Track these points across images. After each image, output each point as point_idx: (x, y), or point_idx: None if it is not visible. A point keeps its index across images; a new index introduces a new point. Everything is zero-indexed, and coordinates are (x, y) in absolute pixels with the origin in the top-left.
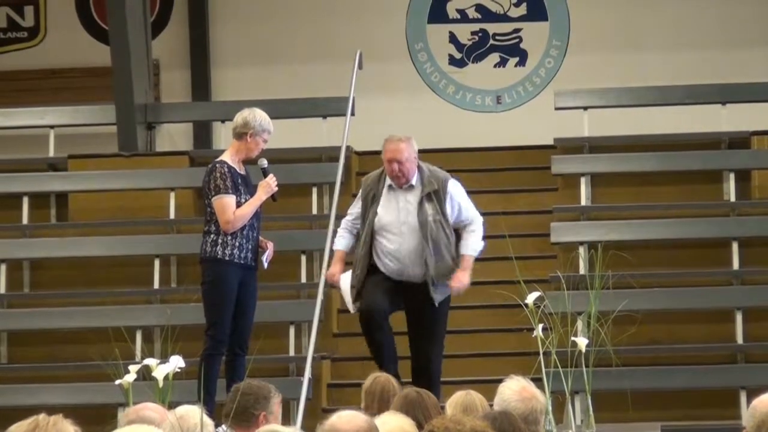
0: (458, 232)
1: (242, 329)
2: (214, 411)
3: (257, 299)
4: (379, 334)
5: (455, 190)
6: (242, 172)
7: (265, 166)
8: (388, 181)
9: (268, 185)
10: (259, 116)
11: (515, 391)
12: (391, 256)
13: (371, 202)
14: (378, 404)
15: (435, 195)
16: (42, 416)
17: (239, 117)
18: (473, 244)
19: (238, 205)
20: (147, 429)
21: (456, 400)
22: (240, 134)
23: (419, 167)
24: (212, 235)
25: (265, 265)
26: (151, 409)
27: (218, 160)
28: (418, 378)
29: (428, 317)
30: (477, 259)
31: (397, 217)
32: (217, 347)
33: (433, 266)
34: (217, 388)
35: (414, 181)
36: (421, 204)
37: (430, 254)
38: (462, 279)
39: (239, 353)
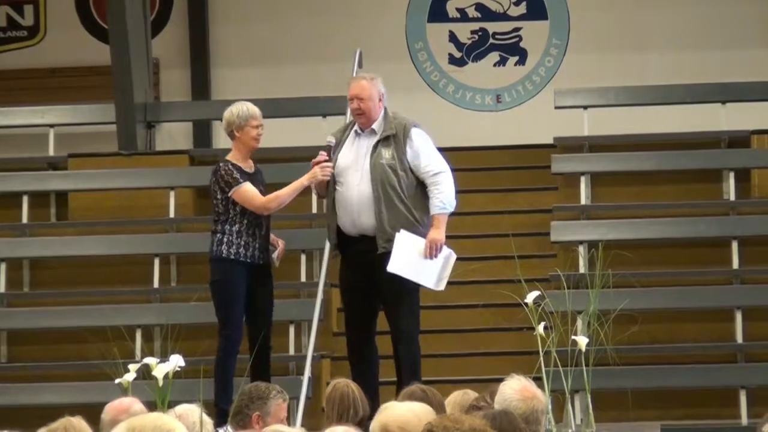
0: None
1: (257, 329)
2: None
3: (272, 297)
4: (360, 366)
5: (417, 136)
6: (250, 170)
7: (332, 144)
8: (356, 127)
9: (314, 174)
10: (236, 109)
11: (516, 390)
12: (343, 205)
13: (336, 149)
14: (338, 411)
15: (394, 139)
16: (74, 418)
17: (223, 122)
18: (439, 201)
19: None
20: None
21: (454, 399)
22: (230, 134)
23: (386, 113)
24: (218, 235)
25: (276, 263)
26: (133, 402)
27: (222, 160)
28: (397, 357)
29: (389, 278)
30: (477, 258)
31: (354, 161)
32: (231, 346)
33: (385, 213)
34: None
35: (376, 126)
36: (375, 147)
37: (380, 200)
38: (433, 236)
39: (261, 350)
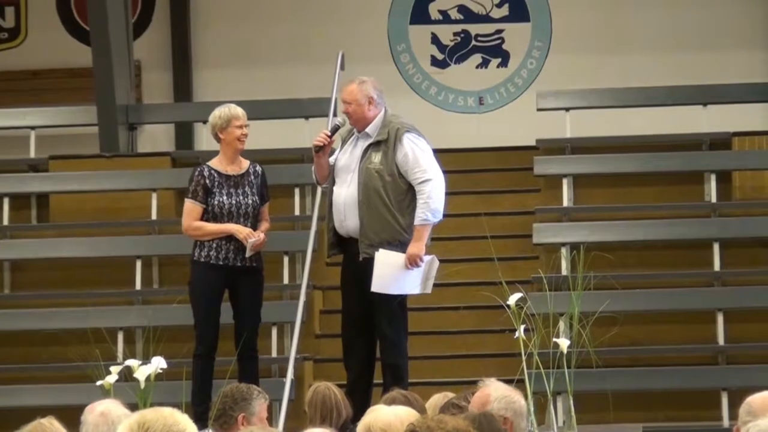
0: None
1: (239, 332)
2: (207, 411)
3: (258, 300)
4: (354, 364)
5: (409, 141)
6: (230, 172)
7: (338, 124)
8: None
9: (246, 235)
10: (218, 112)
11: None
12: (334, 205)
13: (342, 145)
14: (321, 414)
15: (385, 144)
16: (45, 419)
17: (208, 127)
18: (421, 212)
19: (214, 205)
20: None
21: (434, 402)
22: (216, 137)
23: (384, 116)
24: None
25: (248, 251)
26: (114, 403)
27: (203, 163)
28: (384, 368)
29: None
30: (460, 260)
31: (348, 162)
32: (198, 347)
33: (368, 218)
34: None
35: (371, 129)
36: (366, 151)
37: (363, 204)
38: (411, 251)
39: (244, 356)
